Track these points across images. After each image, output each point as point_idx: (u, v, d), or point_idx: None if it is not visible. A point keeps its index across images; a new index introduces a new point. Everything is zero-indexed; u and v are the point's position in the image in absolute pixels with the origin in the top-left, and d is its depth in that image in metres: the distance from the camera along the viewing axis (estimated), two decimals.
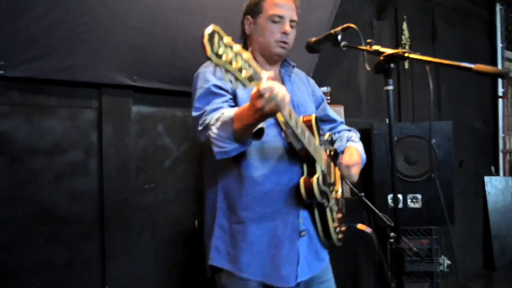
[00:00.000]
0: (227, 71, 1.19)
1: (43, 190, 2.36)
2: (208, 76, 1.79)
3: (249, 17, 1.92)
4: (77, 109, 2.49)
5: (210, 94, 1.73)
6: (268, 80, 1.31)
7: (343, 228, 1.98)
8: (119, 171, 2.59)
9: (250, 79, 1.26)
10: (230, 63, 1.18)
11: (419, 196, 3.61)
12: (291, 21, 1.89)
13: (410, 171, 3.63)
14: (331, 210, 1.87)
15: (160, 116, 2.82)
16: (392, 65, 1.53)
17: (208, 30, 1.13)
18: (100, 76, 2.46)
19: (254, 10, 1.89)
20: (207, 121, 1.65)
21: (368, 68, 1.63)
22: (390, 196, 3.63)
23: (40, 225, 2.34)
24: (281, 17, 1.86)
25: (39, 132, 2.37)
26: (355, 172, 1.96)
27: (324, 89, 3.28)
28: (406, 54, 1.48)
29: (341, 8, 3.37)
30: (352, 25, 1.73)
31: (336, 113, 3.18)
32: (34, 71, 2.24)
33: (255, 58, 1.88)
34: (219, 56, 1.15)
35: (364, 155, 2.09)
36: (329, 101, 3.26)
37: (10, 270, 2.25)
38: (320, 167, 1.77)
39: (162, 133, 2.82)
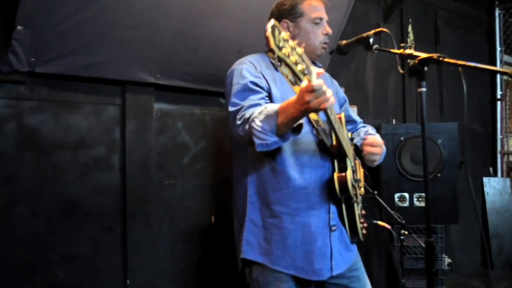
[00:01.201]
0: (286, 64, 1.26)
1: (68, 184, 2.42)
2: (244, 72, 1.83)
3: (287, 20, 1.95)
4: (101, 106, 2.55)
5: (247, 91, 1.78)
6: (318, 75, 1.38)
7: (366, 225, 2.05)
8: (140, 167, 2.65)
9: (304, 73, 1.32)
10: (288, 56, 1.25)
11: (424, 195, 3.68)
12: (326, 21, 1.97)
13: (417, 171, 3.71)
14: (357, 206, 1.94)
15: (179, 114, 2.88)
16: (426, 68, 1.59)
17: (271, 23, 1.20)
18: (125, 73, 2.52)
19: (292, 14, 1.93)
20: (246, 115, 1.70)
21: (401, 71, 1.69)
22: (397, 195, 3.72)
23: (65, 218, 2.40)
24: (321, 18, 1.94)
25: (65, 128, 2.42)
26: (379, 151, 1.98)
27: None
28: (440, 58, 1.55)
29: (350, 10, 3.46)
30: (384, 29, 1.80)
31: None
32: (62, 68, 2.30)
33: None
34: (280, 48, 1.22)
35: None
36: None
37: (36, 262, 2.31)
38: (350, 163, 1.84)
39: (181, 130, 2.88)
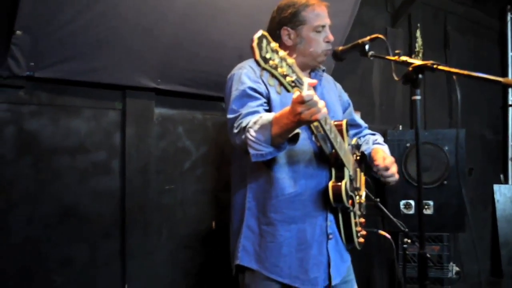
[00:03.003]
0: (272, 75, 1.23)
1: (66, 189, 2.41)
2: (243, 78, 1.81)
3: (288, 28, 1.89)
4: (101, 110, 2.55)
5: (246, 97, 1.76)
6: (309, 86, 1.35)
7: (364, 233, 2.02)
8: (140, 172, 2.64)
9: (293, 84, 1.30)
10: (276, 68, 1.22)
11: (431, 202, 3.64)
12: (329, 26, 1.93)
13: (423, 178, 3.65)
14: (354, 215, 1.91)
15: (180, 118, 2.86)
16: (420, 75, 1.56)
17: (258, 34, 1.17)
18: (125, 78, 2.51)
19: (294, 21, 1.88)
20: (243, 124, 1.67)
21: (396, 78, 1.66)
22: (402, 202, 3.67)
23: (63, 224, 2.39)
24: (323, 26, 1.90)
25: (64, 132, 2.42)
26: (395, 171, 1.95)
27: None
28: (435, 66, 1.51)
29: (356, 15, 3.42)
30: (380, 36, 1.76)
31: None
32: (62, 72, 2.30)
33: None
34: (266, 60, 1.19)
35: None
36: None
37: (34, 267, 2.30)
38: (348, 172, 1.81)
39: (182, 135, 2.87)
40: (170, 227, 2.80)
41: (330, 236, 1.86)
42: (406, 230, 2.85)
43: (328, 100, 2.01)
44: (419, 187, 1.65)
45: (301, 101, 1.36)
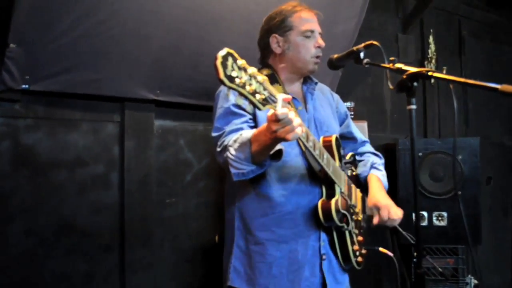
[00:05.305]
0: (240, 94, 1.17)
1: (64, 203, 2.39)
2: (229, 95, 1.75)
3: (276, 35, 1.85)
4: (99, 123, 2.52)
5: (230, 114, 1.71)
6: (284, 101, 1.28)
7: (364, 251, 1.92)
8: (140, 184, 2.60)
9: (265, 102, 1.23)
10: (244, 86, 1.16)
11: (444, 213, 3.52)
12: (319, 33, 1.87)
13: (436, 188, 3.54)
14: (350, 233, 1.82)
15: (182, 130, 2.82)
16: (415, 83, 1.48)
17: (222, 53, 1.11)
18: (123, 90, 2.48)
19: (281, 28, 1.84)
20: (225, 142, 1.63)
21: (391, 87, 1.58)
22: (414, 214, 3.54)
23: (61, 237, 2.37)
24: (312, 31, 1.84)
25: (62, 146, 2.39)
26: (397, 216, 1.82)
27: (348, 104, 3.24)
28: (429, 73, 1.43)
29: (365, 21, 3.33)
30: (375, 42, 1.69)
31: (360, 128, 3.09)
32: (58, 85, 2.28)
33: (279, 76, 1.85)
34: (232, 79, 1.13)
35: (386, 185, 2.03)
36: (352, 116, 3.21)
37: (31, 281, 2.27)
38: (339, 189, 1.73)
39: (183, 147, 2.82)
40: (171, 241, 2.75)
41: (324, 257, 1.78)
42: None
43: (322, 114, 1.94)
44: (415, 199, 1.55)
45: (275, 119, 1.31)
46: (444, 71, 4.20)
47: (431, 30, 4.30)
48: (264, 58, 1.95)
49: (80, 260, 2.42)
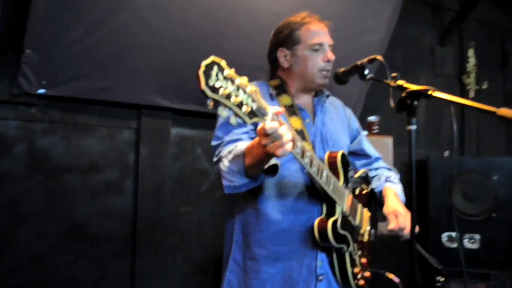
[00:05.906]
0: (224, 105, 1.11)
1: (77, 208, 2.41)
2: None
3: (283, 49, 1.77)
4: (116, 129, 2.54)
5: (231, 124, 1.65)
6: (276, 115, 1.21)
7: (367, 274, 1.80)
8: (153, 192, 2.59)
9: (252, 114, 1.16)
10: (228, 97, 1.09)
11: (477, 236, 3.32)
12: (329, 46, 1.78)
13: (469, 209, 3.35)
14: (351, 255, 1.71)
15: (199, 139, 2.80)
16: (415, 102, 1.37)
17: (207, 61, 1.05)
18: (139, 97, 2.49)
19: (289, 41, 1.76)
20: (221, 153, 1.58)
21: (392, 105, 1.47)
22: (445, 235, 3.37)
23: (72, 242, 2.38)
24: (321, 44, 1.76)
25: (77, 150, 2.42)
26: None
27: (373, 118, 3.12)
28: (429, 92, 1.33)
29: (400, 33, 3.22)
30: (378, 57, 1.59)
31: (383, 144, 2.95)
32: (74, 90, 2.31)
33: (289, 87, 1.79)
34: (215, 90, 1.07)
35: (403, 198, 1.90)
36: (377, 130, 3.09)
37: (40, 284, 2.30)
38: (340, 209, 1.63)
39: (200, 155, 2.80)
40: (184, 250, 2.72)
41: (320, 277, 1.67)
42: (440, 267, 2.59)
43: (330, 128, 1.84)
44: (413, 220, 1.42)
45: (264, 134, 1.23)
46: (485, 86, 3.99)
47: (471, 43, 4.10)
48: (273, 71, 1.89)
49: (91, 265, 2.43)
